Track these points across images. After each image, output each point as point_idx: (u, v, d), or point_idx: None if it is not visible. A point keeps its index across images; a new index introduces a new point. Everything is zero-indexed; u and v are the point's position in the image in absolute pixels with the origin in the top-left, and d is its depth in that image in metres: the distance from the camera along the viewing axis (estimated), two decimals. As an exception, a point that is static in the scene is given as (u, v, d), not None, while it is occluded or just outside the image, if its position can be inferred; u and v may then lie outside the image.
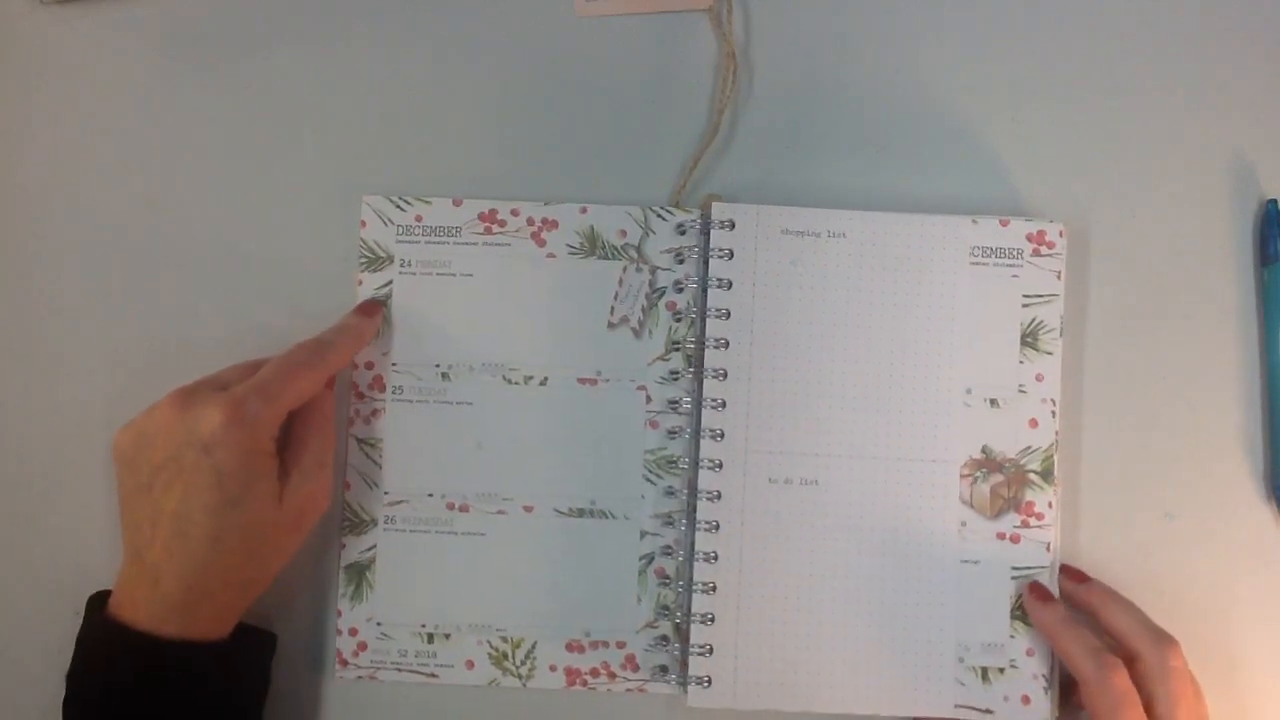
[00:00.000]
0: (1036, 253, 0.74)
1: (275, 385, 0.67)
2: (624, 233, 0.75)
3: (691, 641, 0.72)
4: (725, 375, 0.73)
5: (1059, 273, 0.74)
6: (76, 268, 0.76)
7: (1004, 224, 0.74)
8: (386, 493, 0.74)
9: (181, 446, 0.65)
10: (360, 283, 0.75)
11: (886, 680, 0.72)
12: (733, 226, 0.74)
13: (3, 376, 0.76)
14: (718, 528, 0.73)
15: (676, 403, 0.74)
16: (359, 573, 0.74)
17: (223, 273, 0.76)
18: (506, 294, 0.75)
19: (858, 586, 0.73)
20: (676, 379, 0.74)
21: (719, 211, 0.74)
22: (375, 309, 0.74)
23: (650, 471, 0.74)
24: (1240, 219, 0.77)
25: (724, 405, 0.73)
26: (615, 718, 0.74)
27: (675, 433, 0.74)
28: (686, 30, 0.78)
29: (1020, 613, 0.73)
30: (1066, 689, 0.73)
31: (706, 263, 0.74)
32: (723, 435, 0.73)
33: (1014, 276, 0.74)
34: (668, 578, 0.74)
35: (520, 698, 0.74)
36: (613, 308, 0.75)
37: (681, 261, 0.75)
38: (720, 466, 0.73)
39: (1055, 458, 0.73)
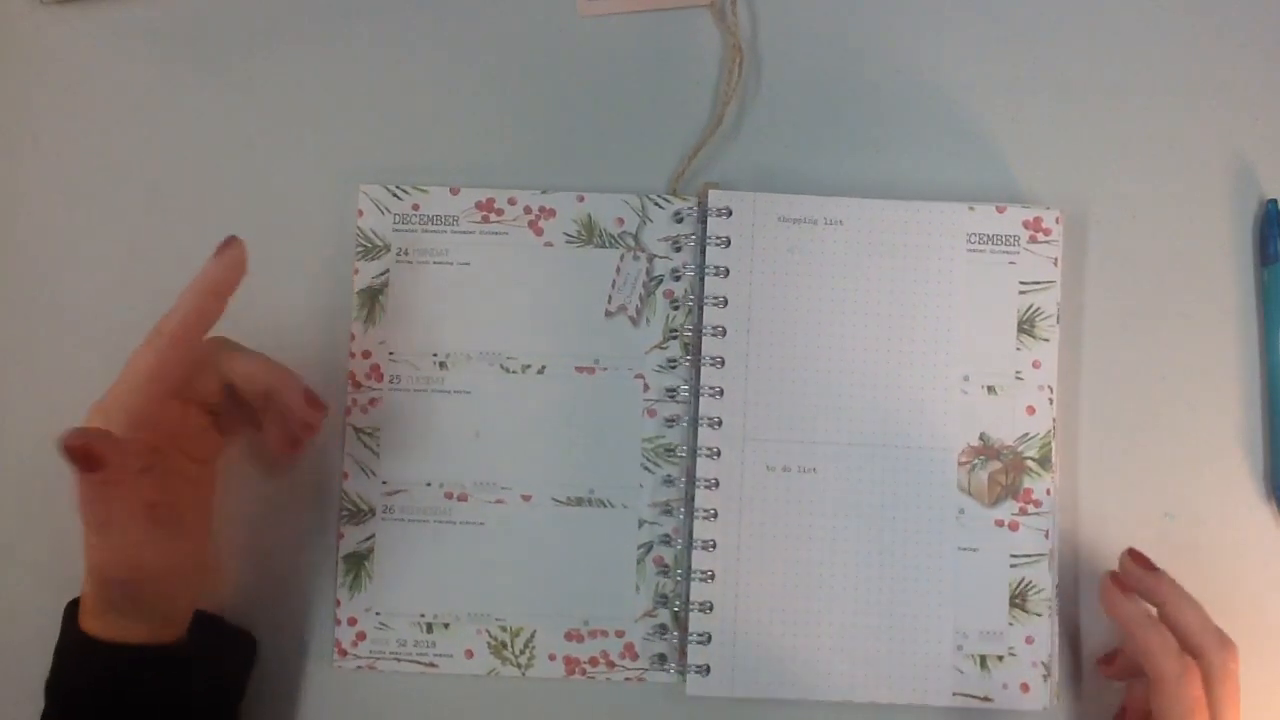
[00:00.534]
0: (1033, 239, 0.74)
1: (111, 398, 0.63)
2: (621, 221, 0.75)
3: (690, 630, 0.72)
4: (723, 363, 0.73)
5: (1055, 259, 0.74)
6: (76, 268, 0.76)
7: (1001, 211, 0.74)
8: (384, 482, 0.74)
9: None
10: (357, 271, 0.75)
11: (885, 668, 0.72)
12: (730, 214, 0.74)
13: (3, 376, 0.76)
14: (716, 516, 0.73)
15: (674, 391, 0.74)
16: (357, 562, 0.73)
17: (221, 268, 0.76)
18: (504, 283, 0.75)
19: (856, 574, 0.72)
20: (674, 367, 0.74)
21: (716, 199, 0.74)
22: (229, 244, 0.64)
23: (648, 460, 0.74)
24: (1240, 219, 0.77)
25: (721, 393, 0.73)
26: (614, 707, 0.73)
27: (673, 421, 0.74)
28: (685, 25, 0.78)
29: (1019, 600, 0.72)
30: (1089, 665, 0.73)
31: (704, 250, 0.74)
32: (720, 423, 0.73)
33: (1011, 263, 0.74)
34: (666, 566, 0.73)
35: (519, 687, 0.73)
36: (610, 296, 0.75)
37: (679, 249, 0.75)
38: (718, 454, 0.73)
39: (1053, 444, 0.73)
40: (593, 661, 0.73)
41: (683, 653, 0.73)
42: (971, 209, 0.74)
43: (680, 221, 0.75)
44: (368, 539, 0.74)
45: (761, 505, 0.73)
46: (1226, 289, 0.76)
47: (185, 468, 0.67)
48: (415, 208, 0.75)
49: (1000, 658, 0.72)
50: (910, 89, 0.77)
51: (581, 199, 0.75)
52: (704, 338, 0.74)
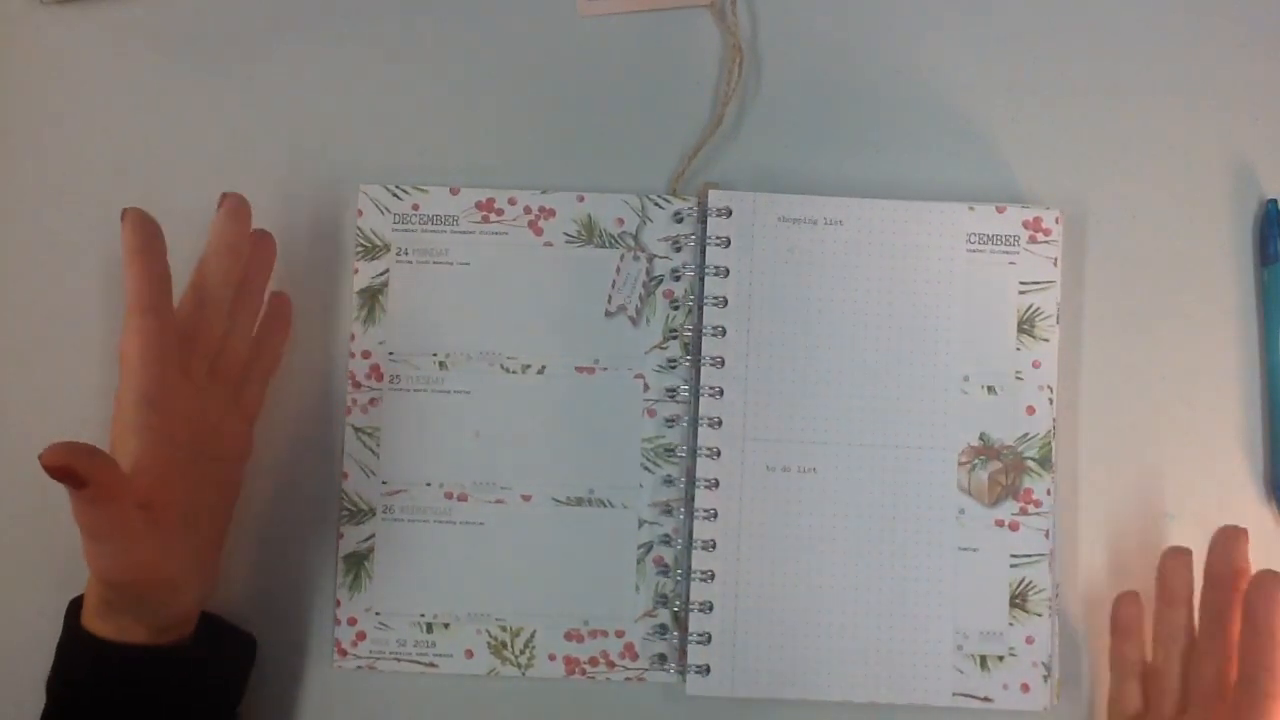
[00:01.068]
0: (1033, 239, 0.74)
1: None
2: (621, 221, 0.75)
3: (690, 630, 0.72)
4: (723, 363, 0.73)
5: (1055, 259, 0.74)
6: (76, 268, 0.76)
7: (1000, 211, 0.74)
8: (384, 482, 0.74)
9: None
10: (357, 271, 0.75)
11: (885, 668, 0.72)
12: (730, 214, 0.74)
13: (3, 376, 0.76)
14: (716, 516, 0.73)
15: (674, 391, 0.74)
16: (357, 563, 0.73)
17: (222, 267, 0.76)
18: (504, 283, 0.75)
19: (856, 574, 0.72)
20: (674, 367, 0.74)
21: (716, 199, 0.74)
22: (226, 200, 0.70)
23: (648, 460, 0.74)
24: (1240, 219, 0.77)
25: (721, 393, 0.73)
26: (614, 707, 0.73)
27: (673, 421, 0.74)
28: (685, 25, 0.78)
29: (1019, 600, 0.72)
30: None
31: (704, 251, 0.74)
32: (720, 423, 0.73)
33: (1010, 263, 0.74)
34: (666, 566, 0.73)
35: (519, 687, 0.73)
36: (610, 296, 0.75)
37: (679, 249, 0.75)
38: (718, 454, 0.73)
39: (1053, 444, 0.73)
40: (593, 661, 0.73)
41: (683, 653, 0.72)
42: (971, 209, 0.74)
43: (680, 221, 0.75)
44: (368, 539, 0.74)
45: (761, 505, 0.73)
46: (1226, 289, 0.76)
47: (209, 469, 0.68)
48: (415, 208, 0.75)
49: (1000, 658, 0.72)
50: (910, 89, 0.77)
51: (581, 199, 0.75)
52: (704, 338, 0.74)
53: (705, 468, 0.73)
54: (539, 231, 0.75)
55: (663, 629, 0.73)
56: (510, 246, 0.75)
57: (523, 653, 0.73)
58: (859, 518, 0.73)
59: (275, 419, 0.74)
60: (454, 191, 0.75)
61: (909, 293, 0.74)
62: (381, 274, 0.75)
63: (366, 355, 0.75)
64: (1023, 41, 0.78)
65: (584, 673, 0.73)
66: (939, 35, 0.78)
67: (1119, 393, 0.75)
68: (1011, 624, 0.72)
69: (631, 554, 0.74)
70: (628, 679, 0.73)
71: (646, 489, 0.74)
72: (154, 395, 0.62)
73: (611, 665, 0.73)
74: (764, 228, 0.74)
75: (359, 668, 0.73)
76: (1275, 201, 0.76)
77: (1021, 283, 0.74)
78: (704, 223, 0.75)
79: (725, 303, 0.74)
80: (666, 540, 0.74)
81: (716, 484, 0.73)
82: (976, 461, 0.73)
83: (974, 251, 0.74)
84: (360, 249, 0.75)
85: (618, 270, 0.75)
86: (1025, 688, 0.72)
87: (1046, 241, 0.74)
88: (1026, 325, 0.74)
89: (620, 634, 0.73)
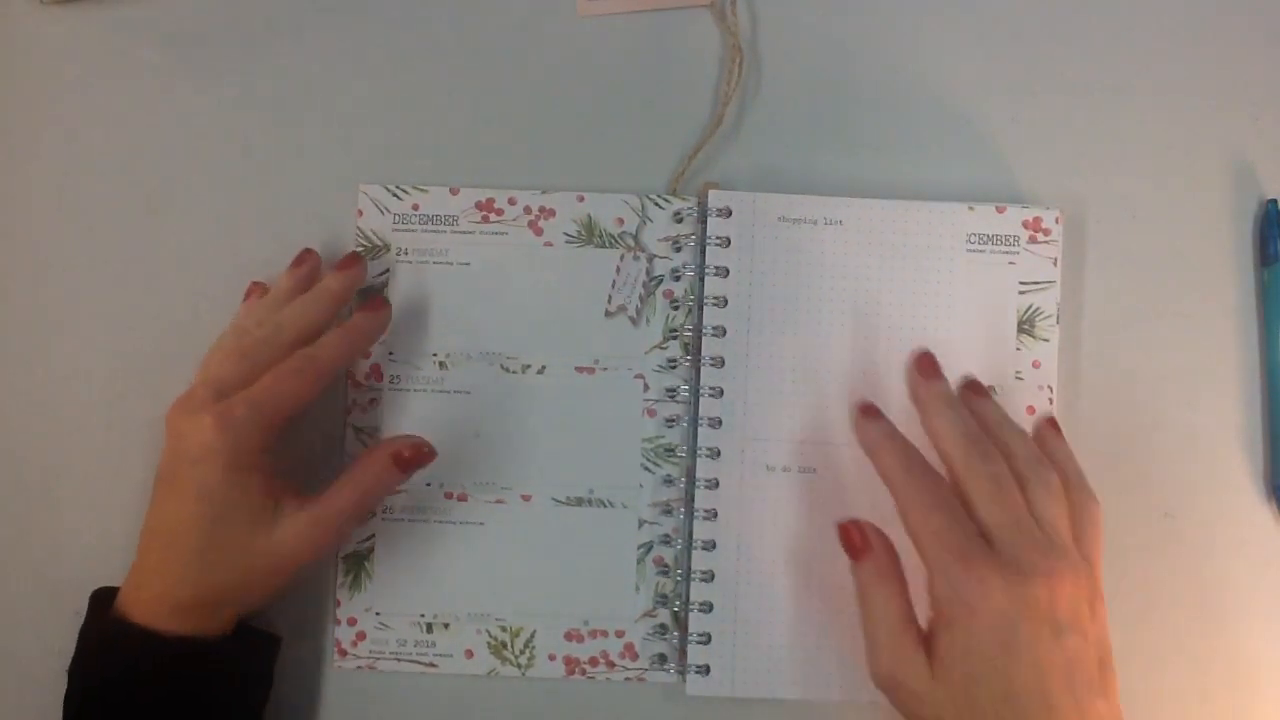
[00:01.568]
0: (1033, 240, 0.74)
1: (263, 394, 0.66)
2: (621, 221, 0.75)
3: (689, 630, 0.72)
4: (722, 363, 0.73)
5: (1055, 259, 0.74)
6: (77, 268, 0.76)
7: (1000, 211, 0.74)
8: (384, 482, 0.74)
9: (178, 458, 0.66)
10: (358, 272, 0.75)
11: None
12: (730, 214, 0.74)
13: (3, 376, 0.76)
14: (715, 516, 0.73)
15: (674, 391, 0.74)
16: (357, 562, 0.73)
17: (222, 268, 0.76)
18: (504, 283, 0.75)
19: (856, 574, 0.72)
20: (674, 367, 0.74)
21: (716, 199, 0.74)
22: (379, 305, 0.72)
23: (648, 460, 0.74)
24: (1240, 219, 0.77)
25: (721, 393, 0.73)
26: (614, 707, 0.73)
27: (673, 421, 0.74)
28: (685, 25, 0.78)
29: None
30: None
31: (703, 250, 0.74)
32: (720, 423, 0.73)
33: (1010, 263, 0.74)
34: (666, 566, 0.73)
35: (519, 687, 0.73)
36: (610, 296, 0.75)
37: (679, 249, 0.75)
38: (718, 454, 0.73)
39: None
40: (592, 661, 0.73)
41: (683, 653, 0.73)
42: (971, 209, 0.74)
43: (680, 221, 0.75)
44: (367, 539, 0.73)
45: (761, 505, 0.73)
46: (1226, 289, 0.76)
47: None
48: (415, 208, 0.75)
49: None
50: (910, 89, 0.77)
51: (581, 199, 0.75)
52: (704, 338, 0.74)
53: (705, 468, 0.73)
54: (539, 231, 0.75)
55: (663, 629, 0.73)
56: (510, 246, 0.75)
57: (523, 653, 0.73)
58: (859, 517, 0.72)
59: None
60: (454, 191, 0.75)
61: (909, 293, 0.74)
62: (381, 274, 0.75)
63: (366, 355, 0.75)
64: (1023, 41, 0.78)
65: (584, 673, 0.73)
66: (939, 35, 0.78)
67: (1119, 392, 0.75)
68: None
69: (631, 554, 0.74)
70: (627, 679, 0.73)
71: (646, 489, 0.74)
72: (274, 427, 0.67)
73: (611, 665, 0.73)
74: (764, 228, 0.74)
75: (359, 668, 0.73)
76: (1275, 201, 0.76)
77: (1021, 283, 0.74)
78: (704, 223, 0.75)
79: (725, 303, 0.74)
80: (666, 540, 0.74)
81: (716, 484, 0.73)
82: (977, 461, 0.73)
83: (974, 251, 0.74)
84: (360, 249, 0.75)
85: (618, 270, 0.75)
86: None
87: (1046, 241, 0.74)
88: (1026, 325, 0.74)
89: (620, 634, 0.73)
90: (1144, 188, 0.77)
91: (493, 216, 0.75)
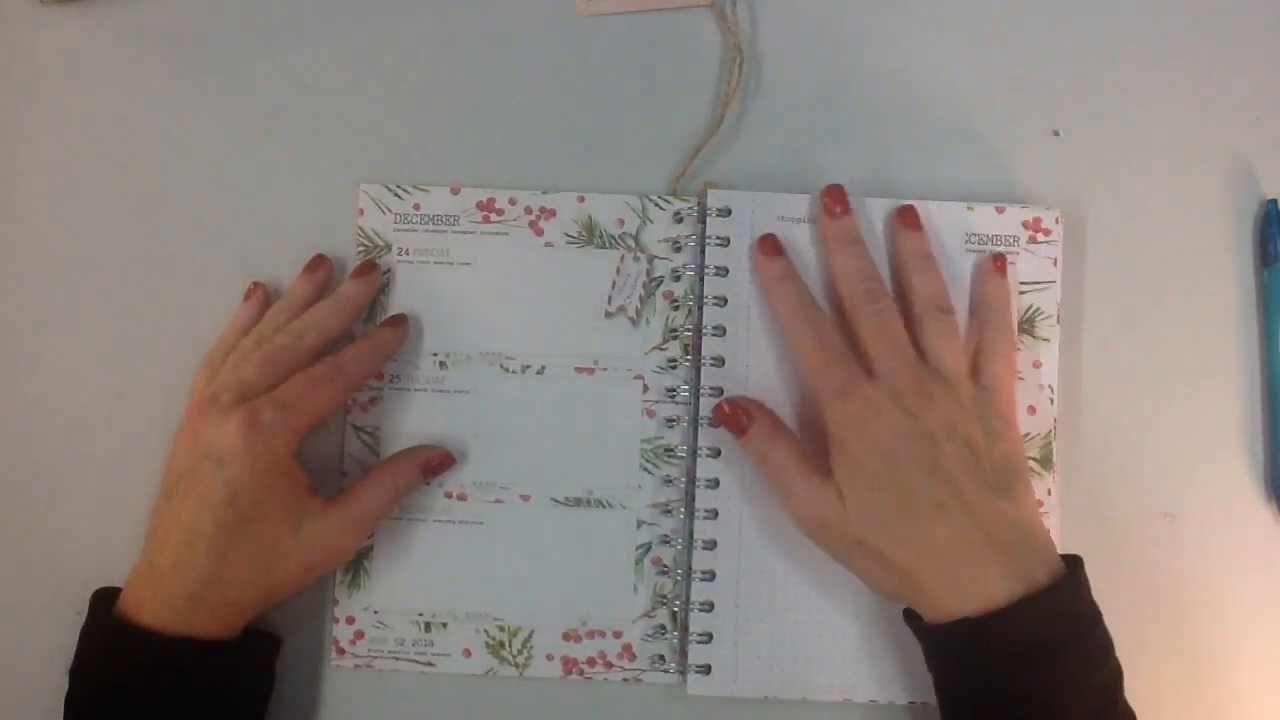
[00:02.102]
0: (1033, 240, 0.74)
1: (292, 398, 0.67)
2: (621, 221, 0.75)
3: (690, 629, 0.72)
4: (723, 363, 0.73)
5: (1055, 259, 0.74)
6: (76, 268, 0.76)
7: (1000, 211, 0.74)
8: (384, 481, 0.74)
9: (200, 458, 0.66)
10: (358, 271, 0.75)
11: (886, 667, 0.72)
12: (729, 214, 0.74)
13: (3, 376, 0.76)
14: (716, 515, 0.73)
15: (674, 391, 0.74)
16: (356, 561, 0.73)
17: (222, 268, 0.76)
18: (504, 283, 0.75)
19: (856, 574, 0.72)
20: (674, 367, 0.74)
21: (715, 199, 0.74)
22: (400, 321, 0.74)
23: (648, 461, 0.74)
24: (1240, 219, 0.77)
25: (721, 393, 0.73)
26: (612, 707, 0.73)
27: (673, 421, 0.74)
28: (685, 25, 0.78)
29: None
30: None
31: (704, 251, 0.74)
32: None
33: (1010, 264, 0.74)
34: (665, 567, 0.73)
35: (517, 687, 0.73)
36: (610, 296, 0.75)
37: (679, 250, 0.75)
38: (718, 454, 0.73)
39: (1054, 444, 0.73)
40: (590, 662, 0.73)
41: (682, 653, 0.73)
42: (970, 209, 0.74)
43: (680, 222, 0.75)
44: (367, 538, 0.73)
45: (762, 505, 0.73)
46: (1226, 289, 0.76)
47: None
48: (416, 207, 0.75)
49: None
50: (910, 89, 0.77)
51: (582, 199, 0.75)
52: (704, 338, 0.74)
53: (705, 467, 0.73)
54: (539, 232, 0.75)
55: (661, 629, 0.73)
56: (511, 246, 0.75)
57: (521, 652, 0.73)
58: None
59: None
60: (455, 191, 0.76)
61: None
62: (382, 274, 0.75)
63: (374, 363, 0.75)
64: (1023, 41, 0.78)
65: (582, 673, 0.73)
66: (939, 35, 0.78)
67: (1119, 392, 0.75)
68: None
69: (630, 554, 0.74)
70: (625, 679, 0.73)
71: (645, 489, 0.74)
72: (302, 431, 0.69)
73: (609, 666, 0.73)
74: (763, 227, 0.74)
75: (357, 667, 0.73)
76: (1275, 201, 0.76)
77: (1021, 283, 0.74)
78: (704, 223, 0.75)
79: (725, 303, 0.74)
80: (665, 541, 0.74)
81: (717, 483, 0.73)
82: (976, 461, 0.73)
83: (973, 251, 0.74)
84: (361, 249, 0.75)
85: (618, 271, 0.75)
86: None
87: (1046, 242, 0.74)
88: (1027, 325, 0.74)
89: (618, 634, 0.73)
90: (1144, 188, 0.77)
91: (493, 216, 0.75)
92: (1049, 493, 0.73)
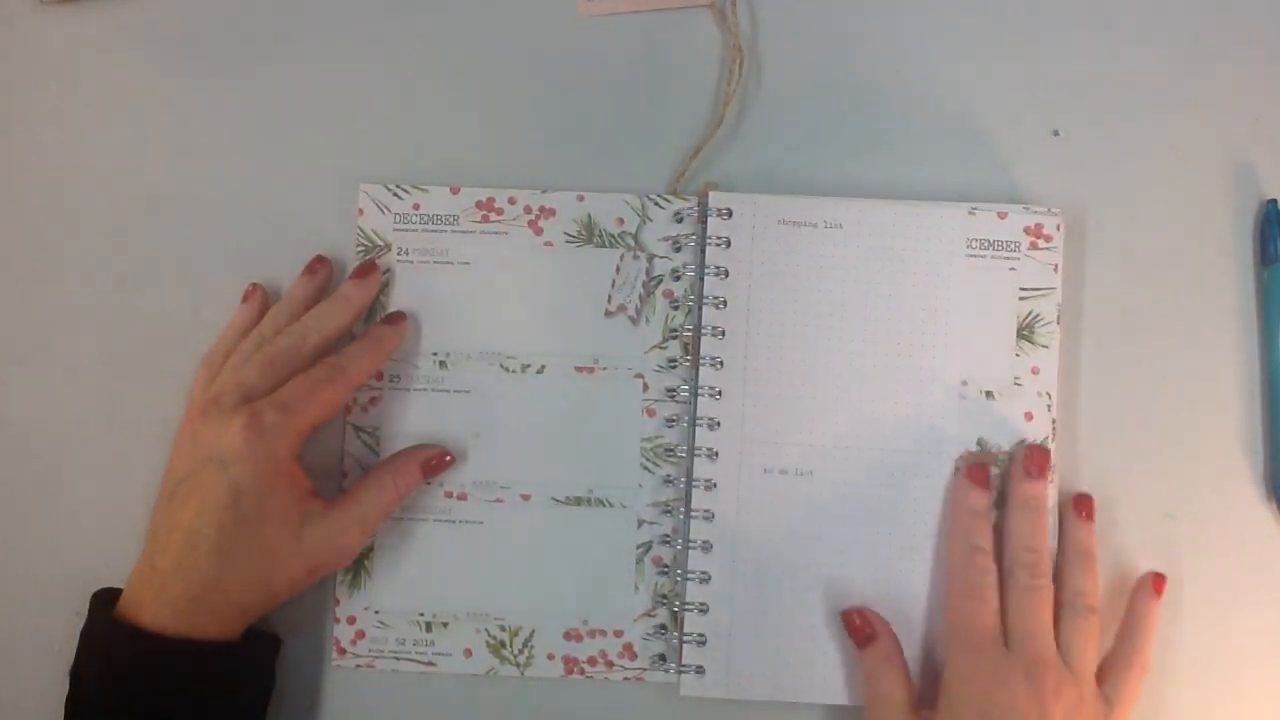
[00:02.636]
0: (1034, 246, 0.74)
1: (294, 400, 0.67)
2: (621, 221, 0.75)
3: (685, 630, 0.72)
4: (722, 364, 0.73)
5: (1056, 265, 0.74)
6: (76, 268, 0.76)
7: (1002, 216, 0.74)
8: (384, 481, 0.74)
9: (202, 460, 0.66)
10: (358, 271, 0.75)
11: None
12: (730, 215, 0.74)
13: (3, 376, 0.76)
14: (713, 517, 0.73)
15: (674, 391, 0.74)
16: (357, 561, 0.74)
17: (222, 268, 0.76)
18: (504, 282, 0.75)
19: (852, 578, 0.73)
20: (674, 367, 0.74)
21: (716, 200, 0.74)
22: (399, 319, 0.74)
23: (648, 460, 0.74)
24: (1240, 219, 0.77)
25: (720, 394, 0.73)
26: (612, 706, 0.74)
27: (673, 421, 0.74)
28: (685, 25, 0.78)
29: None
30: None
31: (704, 251, 0.74)
32: (719, 424, 0.73)
33: (1011, 269, 0.74)
34: (665, 566, 0.74)
35: (518, 686, 0.74)
36: (610, 296, 0.75)
37: (679, 250, 0.75)
38: (716, 455, 0.73)
39: (1051, 451, 0.73)
40: (591, 661, 0.73)
41: (681, 653, 0.73)
42: (972, 213, 0.74)
43: (680, 221, 0.75)
44: (368, 540, 0.73)
45: (758, 507, 0.73)
46: (1226, 289, 0.76)
47: None
48: (416, 207, 0.75)
49: None
50: (910, 90, 0.77)
51: (581, 199, 0.75)
52: (703, 338, 0.74)
53: (702, 468, 0.73)
54: (539, 231, 0.75)
55: (662, 629, 0.73)
56: (510, 246, 0.75)
57: (521, 652, 0.73)
58: (855, 521, 0.73)
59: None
60: (454, 191, 0.75)
61: (909, 297, 0.74)
62: (382, 274, 0.75)
63: (376, 363, 0.75)
64: (1023, 42, 0.78)
65: (583, 672, 0.73)
66: (940, 36, 0.78)
67: (1119, 391, 0.75)
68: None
69: (630, 554, 0.74)
70: (626, 679, 0.73)
71: (646, 489, 0.74)
72: (305, 434, 0.69)
73: (610, 665, 0.73)
74: (764, 229, 0.74)
75: (358, 666, 0.73)
76: (1275, 201, 0.76)
77: (1022, 289, 0.74)
78: (704, 223, 0.74)
79: (725, 304, 0.74)
80: (666, 540, 0.74)
81: (714, 485, 0.73)
82: (973, 466, 0.73)
83: (974, 256, 0.74)
84: (361, 248, 0.75)
85: (618, 270, 0.75)
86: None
87: (1047, 248, 0.74)
88: (1026, 331, 0.74)
89: (619, 634, 0.74)
90: (1144, 188, 0.77)
91: (493, 216, 0.75)
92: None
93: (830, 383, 0.73)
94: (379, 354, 0.73)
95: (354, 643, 0.73)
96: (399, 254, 0.75)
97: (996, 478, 0.73)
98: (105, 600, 0.68)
